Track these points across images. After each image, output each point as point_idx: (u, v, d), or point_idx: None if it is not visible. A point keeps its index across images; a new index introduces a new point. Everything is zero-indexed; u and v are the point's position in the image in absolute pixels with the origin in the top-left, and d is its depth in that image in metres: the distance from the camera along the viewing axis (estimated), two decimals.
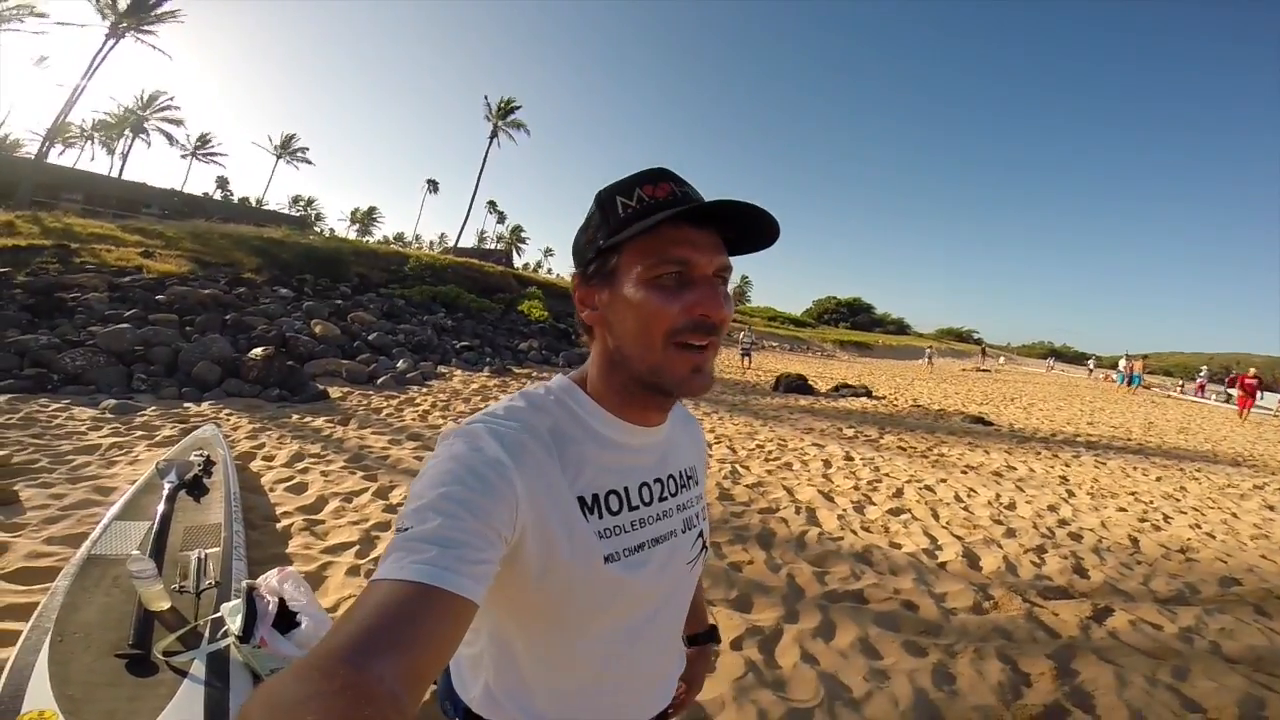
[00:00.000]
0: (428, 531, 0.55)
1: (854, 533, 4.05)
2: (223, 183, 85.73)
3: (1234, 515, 5.28)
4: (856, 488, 5.19)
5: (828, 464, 6.01)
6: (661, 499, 0.81)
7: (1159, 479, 6.66)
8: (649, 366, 0.70)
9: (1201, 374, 27.71)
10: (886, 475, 5.71)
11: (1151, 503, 5.50)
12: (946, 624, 2.88)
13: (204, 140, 64.67)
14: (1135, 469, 7.13)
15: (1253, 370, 16.51)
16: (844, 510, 4.51)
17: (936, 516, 4.55)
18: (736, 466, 5.54)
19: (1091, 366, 40.67)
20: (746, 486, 4.91)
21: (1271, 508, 5.66)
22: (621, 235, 0.68)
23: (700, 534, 0.87)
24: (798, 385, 13.00)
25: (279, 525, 3.33)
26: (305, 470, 4.26)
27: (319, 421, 5.66)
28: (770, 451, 6.35)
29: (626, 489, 0.76)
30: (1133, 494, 5.79)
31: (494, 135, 54.62)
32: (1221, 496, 6.00)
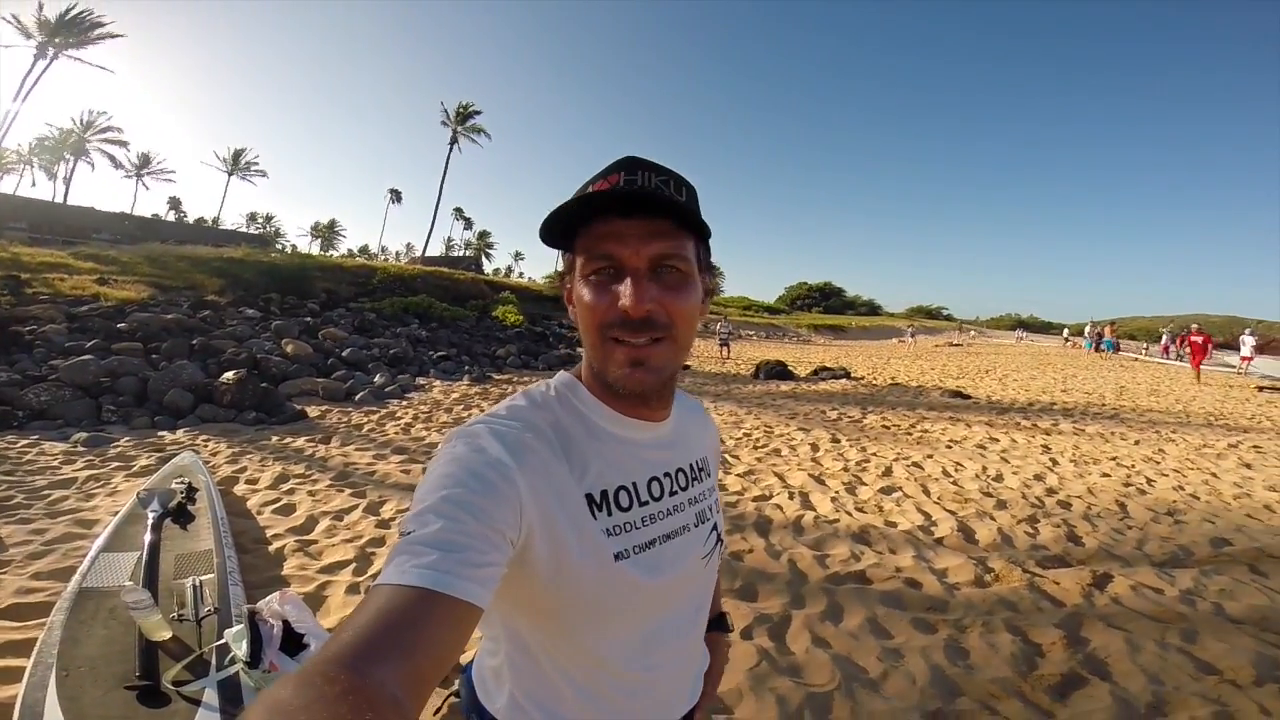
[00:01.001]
0: (429, 535, 0.55)
1: (849, 514, 4.07)
2: (175, 203, 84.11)
3: (1214, 475, 5.38)
4: (846, 469, 5.22)
5: (815, 447, 6.05)
6: (672, 493, 0.79)
7: (1137, 443, 6.79)
8: (596, 362, 0.71)
9: (1164, 336, 28.44)
10: (874, 455, 5.76)
11: (1134, 467, 5.60)
12: (951, 599, 2.90)
13: (146, 160, 63.22)
14: (1113, 434, 7.28)
15: (1195, 326, 16.78)
16: (836, 492, 4.54)
17: (927, 492, 4.59)
18: (726, 456, 5.56)
19: (1067, 335, 40.33)
20: (738, 475, 4.93)
21: (1248, 466, 5.79)
22: (545, 237, 0.70)
23: (714, 527, 0.86)
24: (778, 371, 13.10)
25: (271, 548, 3.25)
26: (291, 491, 4.17)
27: (300, 441, 5.55)
28: (757, 439, 6.37)
29: (635, 484, 0.75)
30: (1114, 459, 5.90)
31: (454, 141, 54.12)
32: (1199, 457, 6.12)
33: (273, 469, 4.64)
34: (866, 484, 4.79)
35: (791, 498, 4.37)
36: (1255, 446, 6.74)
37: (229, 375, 6.76)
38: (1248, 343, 18.54)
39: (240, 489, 4.19)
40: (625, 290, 0.65)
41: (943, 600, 2.88)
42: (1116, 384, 13.87)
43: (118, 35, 35.55)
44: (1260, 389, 13.58)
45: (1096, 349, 27.04)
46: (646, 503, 0.75)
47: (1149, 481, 5.10)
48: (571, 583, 0.67)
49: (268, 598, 1.91)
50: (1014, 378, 14.78)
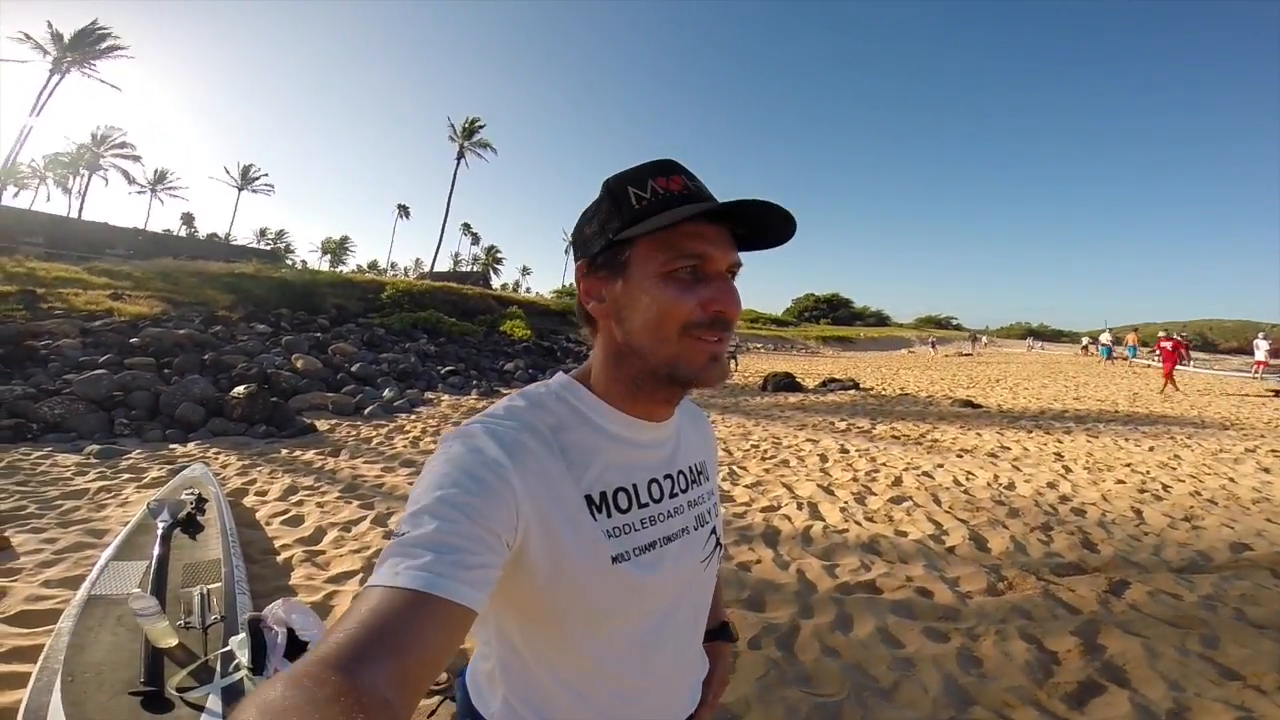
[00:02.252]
0: (423, 536, 0.54)
1: (858, 524, 4.04)
2: (188, 219, 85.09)
3: (1231, 480, 5.31)
4: (855, 479, 5.18)
5: (824, 458, 6.01)
6: (672, 495, 0.78)
7: (1151, 449, 6.71)
8: (664, 358, 0.69)
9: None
10: (884, 465, 5.72)
11: (1148, 473, 5.53)
12: (964, 608, 2.85)
13: (161, 176, 64.21)
14: (1127, 440, 7.21)
15: (1163, 334, 16.59)
16: (845, 502, 4.50)
17: (938, 502, 4.55)
18: (734, 468, 5.53)
19: (1086, 342, 38.91)
20: (746, 487, 4.90)
21: (1267, 470, 5.71)
22: (640, 228, 0.66)
23: (713, 530, 0.85)
24: (786, 383, 13.05)
25: (279, 558, 3.26)
26: (300, 503, 4.19)
27: (309, 454, 5.57)
28: (766, 450, 6.34)
29: (635, 486, 0.74)
30: (1128, 465, 5.83)
31: (461, 156, 54.61)
32: (1216, 462, 6.05)
33: (282, 481, 4.66)
34: (876, 494, 4.75)
35: (800, 508, 4.34)
36: (1273, 450, 6.66)
37: (240, 390, 6.82)
38: (1261, 347, 18.35)
39: (249, 500, 4.22)
40: (724, 292, 0.68)
41: (955, 609, 2.84)
42: (1129, 390, 13.75)
43: (126, 50, 36.11)
44: (1276, 393, 13.42)
45: (1110, 356, 26.81)
46: (646, 504, 0.74)
47: (1165, 487, 5.03)
48: (569, 585, 0.66)
49: (272, 605, 1.90)
50: (1025, 386, 14.67)
